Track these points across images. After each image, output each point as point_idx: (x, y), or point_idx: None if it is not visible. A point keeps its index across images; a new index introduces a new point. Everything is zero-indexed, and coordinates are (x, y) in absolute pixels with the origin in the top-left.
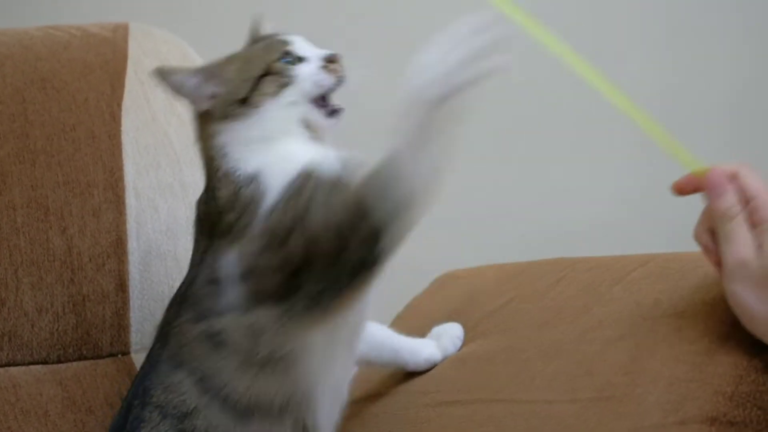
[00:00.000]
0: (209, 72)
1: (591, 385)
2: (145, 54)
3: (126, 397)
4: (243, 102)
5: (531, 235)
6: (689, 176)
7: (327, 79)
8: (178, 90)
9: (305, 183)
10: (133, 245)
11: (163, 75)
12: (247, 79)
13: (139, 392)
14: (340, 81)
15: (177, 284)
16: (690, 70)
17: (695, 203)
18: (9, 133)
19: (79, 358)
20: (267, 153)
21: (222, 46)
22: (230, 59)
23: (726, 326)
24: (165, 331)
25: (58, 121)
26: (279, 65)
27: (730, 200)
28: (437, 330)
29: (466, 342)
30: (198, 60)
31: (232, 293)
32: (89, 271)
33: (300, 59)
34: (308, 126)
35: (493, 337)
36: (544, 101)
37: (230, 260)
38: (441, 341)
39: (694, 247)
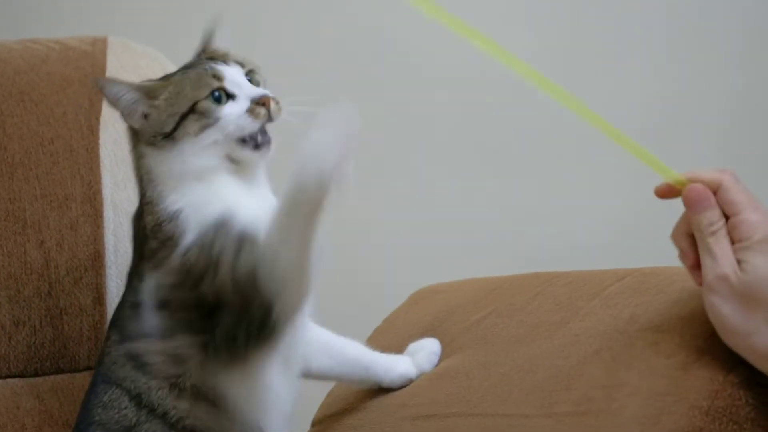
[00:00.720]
0: (147, 91)
1: (568, 399)
2: (123, 67)
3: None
4: (167, 136)
5: (510, 250)
6: (669, 185)
7: (251, 125)
8: (114, 102)
9: (219, 232)
10: (110, 258)
11: (101, 84)
12: (172, 114)
13: (82, 416)
14: (264, 123)
15: None
16: (688, 76)
17: (672, 219)
18: None
19: (57, 372)
20: (189, 192)
21: None
22: (167, 82)
23: (702, 340)
24: (101, 353)
25: (36, 135)
26: (205, 105)
27: (710, 216)
28: (414, 346)
29: (443, 357)
30: None
31: (150, 320)
32: (67, 284)
33: (229, 96)
34: (234, 160)
35: (470, 351)
36: (524, 120)
37: (149, 287)
38: (416, 357)
39: (671, 262)
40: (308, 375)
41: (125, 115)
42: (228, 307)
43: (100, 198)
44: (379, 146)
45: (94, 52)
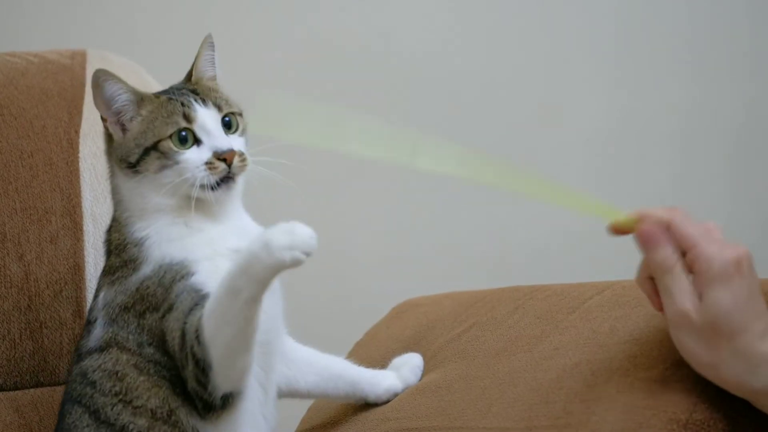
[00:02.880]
0: (140, 99)
1: (547, 412)
2: None
3: None
4: (130, 166)
5: (491, 263)
6: (621, 225)
7: (206, 178)
8: (109, 99)
9: (178, 278)
10: (90, 272)
11: (102, 79)
12: (138, 145)
13: None
14: (222, 178)
15: None
16: (640, 91)
17: None
18: None
19: (36, 385)
20: (155, 222)
21: (180, 72)
22: (157, 99)
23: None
24: (67, 373)
25: (15, 148)
26: (166, 145)
27: (664, 253)
28: (397, 361)
29: (426, 371)
30: (156, 86)
31: (97, 335)
32: (47, 297)
33: (197, 140)
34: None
35: (451, 364)
36: (504, 132)
37: (102, 302)
38: (401, 372)
39: None
40: (296, 394)
41: (111, 118)
42: (172, 353)
43: (79, 211)
44: (359, 161)
45: (73, 65)
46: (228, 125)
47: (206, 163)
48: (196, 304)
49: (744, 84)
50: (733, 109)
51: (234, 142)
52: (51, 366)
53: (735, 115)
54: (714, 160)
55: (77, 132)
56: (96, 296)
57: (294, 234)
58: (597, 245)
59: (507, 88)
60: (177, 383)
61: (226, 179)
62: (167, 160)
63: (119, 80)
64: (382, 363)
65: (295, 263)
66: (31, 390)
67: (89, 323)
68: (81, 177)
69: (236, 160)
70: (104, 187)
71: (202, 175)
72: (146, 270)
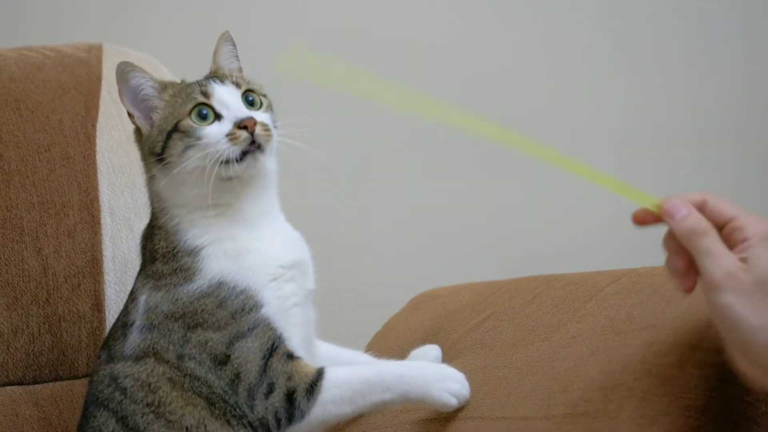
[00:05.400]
0: (163, 87)
1: (565, 401)
2: None
3: None
4: (159, 158)
5: (508, 253)
6: (646, 210)
7: (229, 150)
8: (135, 90)
9: (245, 313)
10: (108, 265)
11: (127, 71)
12: (162, 131)
13: None
14: (245, 148)
15: None
16: (646, 89)
17: None
18: None
19: (55, 379)
20: (208, 229)
21: (196, 66)
22: (173, 85)
23: (696, 336)
24: (91, 372)
25: (32, 142)
26: (187, 123)
27: (695, 217)
28: (416, 353)
29: (444, 362)
30: (172, 78)
31: (134, 340)
32: (65, 291)
33: (217, 116)
34: (225, 177)
35: (469, 355)
36: (518, 124)
37: (142, 306)
38: None
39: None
40: None
41: (137, 114)
42: (228, 376)
43: (97, 205)
44: (377, 154)
45: (90, 59)
46: (251, 103)
47: (228, 135)
48: (276, 346)
49: (745, 82)
50: (734, 106)
51: (257, 115)
52: (70, 360)
53: (736, 113)
54: (715, 159)
55: (94, 125)
56: (134, 297)
57: (463, 385)
58: (613, 233)
59: (508, 84)
60: (216, 404)
61: (252, 151)
62: (189, 138)
63: (143, 71)
64: (400, 354)
65: (447, 408)
66: (50, 384)
67: (125, 325)
68: (98, 170)
69: (259, 128)
70: (121, 180)
71: (225, 148)
72: (201, 284)
